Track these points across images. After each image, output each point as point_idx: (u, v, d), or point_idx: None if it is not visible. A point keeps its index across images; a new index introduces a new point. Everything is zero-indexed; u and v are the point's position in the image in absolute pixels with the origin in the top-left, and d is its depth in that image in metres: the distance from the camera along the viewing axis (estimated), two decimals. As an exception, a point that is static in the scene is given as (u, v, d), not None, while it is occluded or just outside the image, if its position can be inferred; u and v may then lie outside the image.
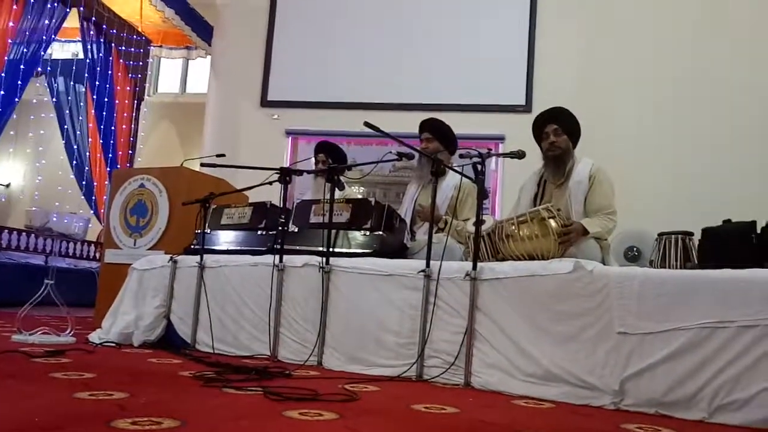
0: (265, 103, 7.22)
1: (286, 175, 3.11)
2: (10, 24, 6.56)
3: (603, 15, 6.66)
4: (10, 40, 6.58)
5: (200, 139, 8.02)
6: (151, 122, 10.43)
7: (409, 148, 2.98)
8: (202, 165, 3.18)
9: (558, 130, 3.24)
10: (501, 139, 6.61)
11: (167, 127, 10.68)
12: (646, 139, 6.41)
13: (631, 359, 2.18)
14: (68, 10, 7.36)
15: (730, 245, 2.56)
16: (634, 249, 4.03)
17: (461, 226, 3.55)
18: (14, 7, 6.58)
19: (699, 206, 5.70)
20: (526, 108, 6.60)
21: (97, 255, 7.74)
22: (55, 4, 7.11)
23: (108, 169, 8.58)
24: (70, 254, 7.57)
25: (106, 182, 8.55)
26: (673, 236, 3.19)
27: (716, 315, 2.06)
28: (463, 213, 3.63)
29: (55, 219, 3.11)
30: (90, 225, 9.60)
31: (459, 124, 6.73)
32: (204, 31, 8.65)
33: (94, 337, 3.26)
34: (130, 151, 9.01)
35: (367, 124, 2.44)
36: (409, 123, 6.78)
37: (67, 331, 3.20)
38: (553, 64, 6.66)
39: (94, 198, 8.75)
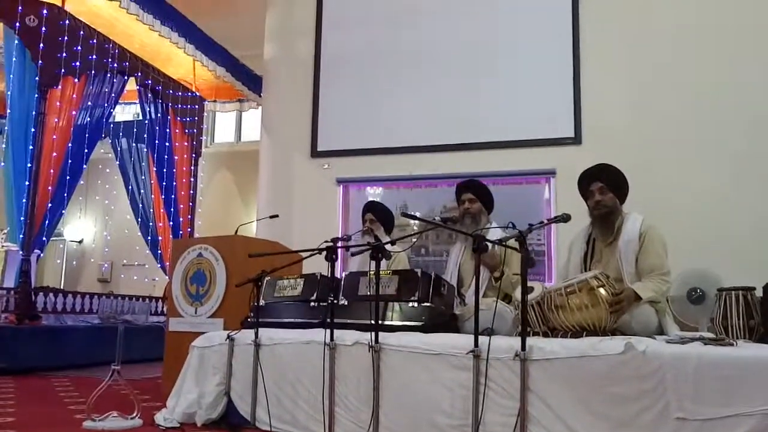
0: (315, 153, 7.36)
1: (332, 253, 3.17)
2: (74, 96, 6.97)
3: (645, 40, 6.47)
4: (74, 112, 6.98)
5: (256, 185, 8.22)
6: (210, 171, 10.84)
7: (450, 228, 2.99)
8: (250, 256, 3.27)
9: (603, 188, 3.18)
10: (552, 173, 6.51)
11: (224, 175, 11.07)
12: (701, 164, 6.15)
13: (692, 447, 2.10)
14: (126, 78, 7.78)
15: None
16: (698, 290, 3.87)
17: (515, 279, 3.52)
18: (76, 80, 6.98)
19: (758, 255, 5.44)
20: (576, 140, 6.49)
21: (165, 310, 8.02)
22: (114, 74, 7.51)
23: (170, 222, 8.94)
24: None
25: (170, 235, 8.91)
26: (733, 292, 3.06)
27: (780, 401, 1.97)
28: (512, 267, 3.59)
29: (121, 307, 3.26)
30: (156, 280, 9.81)
31: (509, 160, 6.75)
32: (254, 83, 8.97)
33: (160, 418, 3.37)
34: (190, 204, 9.34)
35: (404, 214, 2.46)
36: (458, 163, 6.81)
37: (134, 414, 3.34)
38: (600, 93, 6.50)
39: (159, 251, 9.12)
